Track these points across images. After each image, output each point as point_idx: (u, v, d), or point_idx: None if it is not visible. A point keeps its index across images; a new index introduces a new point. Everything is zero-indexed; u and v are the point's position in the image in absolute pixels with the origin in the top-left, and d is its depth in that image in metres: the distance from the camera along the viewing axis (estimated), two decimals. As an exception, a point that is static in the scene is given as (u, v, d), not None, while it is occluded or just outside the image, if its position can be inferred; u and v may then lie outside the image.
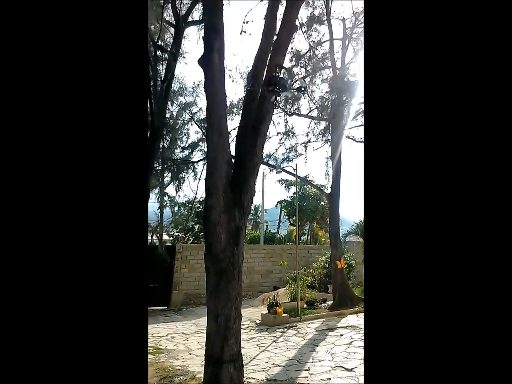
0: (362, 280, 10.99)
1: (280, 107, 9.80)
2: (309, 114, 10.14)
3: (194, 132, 10.89)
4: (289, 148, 10.49)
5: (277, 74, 3.64)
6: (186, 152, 10.66)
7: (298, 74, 9.38)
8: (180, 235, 15.50)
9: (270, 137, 10.10)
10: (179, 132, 10.40)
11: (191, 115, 10.42)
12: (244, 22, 5.26)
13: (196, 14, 7.23)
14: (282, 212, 22.33)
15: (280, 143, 10.42)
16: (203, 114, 9.96)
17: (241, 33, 5.29)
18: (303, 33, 8.42)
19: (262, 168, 12.25)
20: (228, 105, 9.55)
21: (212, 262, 3.19)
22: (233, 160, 3.61)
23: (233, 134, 5.83)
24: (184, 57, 8.29)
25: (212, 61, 3.14)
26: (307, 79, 9.44)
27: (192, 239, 15.83)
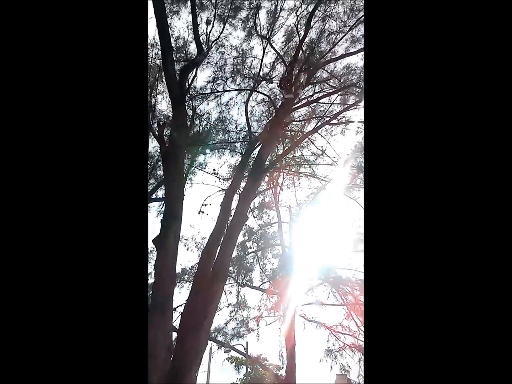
0: None
1: (233, 277, 9.82)
2: (261, 287, 10.14)
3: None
4: (240, 321, 9.85)
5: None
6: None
7: (251, 247, 9.98)
8: None
9: (221, 309, 9.57)
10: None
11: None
12: (202, 205, 5.90)
13: (160, 192, 8.06)
14: (231, 401, 18.52)
15: (230, 316, 9.82)
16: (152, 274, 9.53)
17: (199, 213, 5.86)
18: (254, 217, 9.57)
19: (210, 343, 10.97)
20: (180, 270, 9.41)
21: None
22: (174, 344, 3.24)
23: (179, 310, 5.49)
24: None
25: (166, 243, 3.28)
26: (259, 253, 10.00)
27: None
